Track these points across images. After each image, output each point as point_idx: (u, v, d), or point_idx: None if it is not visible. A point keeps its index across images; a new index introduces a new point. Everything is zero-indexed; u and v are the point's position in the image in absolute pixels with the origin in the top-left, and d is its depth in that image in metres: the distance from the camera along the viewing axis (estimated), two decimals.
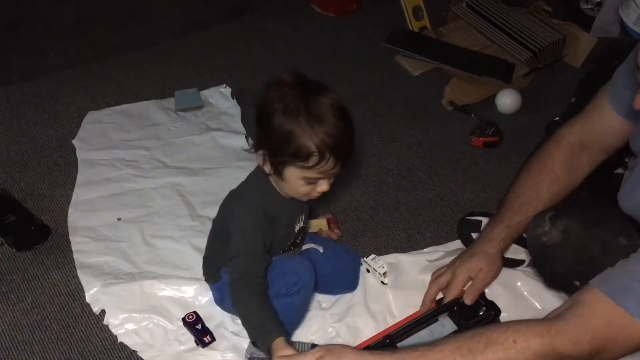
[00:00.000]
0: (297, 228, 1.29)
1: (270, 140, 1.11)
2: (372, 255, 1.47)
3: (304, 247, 1.39)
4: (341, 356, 1.02)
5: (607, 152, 1.32)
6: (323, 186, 1.16)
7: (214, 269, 1.32)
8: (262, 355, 1.22)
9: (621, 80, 1.20)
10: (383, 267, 1.44)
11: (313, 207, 1.41)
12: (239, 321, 1.26)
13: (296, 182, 1.14)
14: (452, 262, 1.37)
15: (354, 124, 1.13)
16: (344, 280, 1.43)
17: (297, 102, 1.09)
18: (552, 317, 1.05)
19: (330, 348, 1.05)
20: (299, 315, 1.32)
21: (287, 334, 1.14)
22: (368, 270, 1.46)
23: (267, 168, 1.15)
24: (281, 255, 1.29)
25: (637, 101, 0.97)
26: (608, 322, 1.00)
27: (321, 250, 1.40)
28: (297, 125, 1.08)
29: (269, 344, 1.08)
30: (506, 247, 1.35)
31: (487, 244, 1.33)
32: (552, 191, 1.31)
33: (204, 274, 1.38)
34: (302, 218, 1.30)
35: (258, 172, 1.22)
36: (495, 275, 1.34)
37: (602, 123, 1.28)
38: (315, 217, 1.53)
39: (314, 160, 1.09)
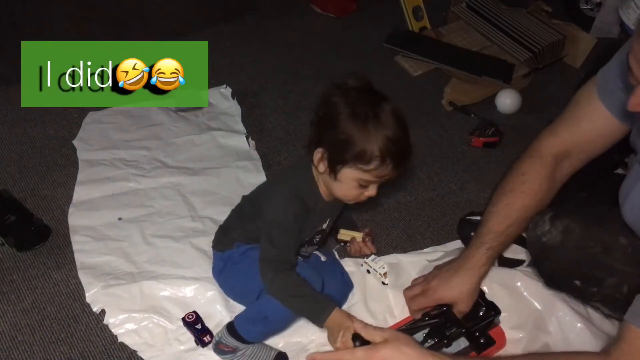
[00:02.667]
0: (319, 227, 1.31)
1: (334, 141, 1.14)
2: (372, 256, 1.47)
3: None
4: (405, 346, 1.04)
5: (589, 158, 1.30)
6: (372, 191, 1.19)
7: (229, 238, 1.33)
8: (233, 342, 1.24)
9: (613, 82, 1.18)
10: (383, 268, 1.44)
11: (342, 213, 1.40)
12: None
13: (349, 183, 1.17)
14: (428, 279, 1.34)
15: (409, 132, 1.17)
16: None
17: (365, 107, 1.13)
18: (601, 353, 1.07)
19: (401, 336, 1.07)
20: (286, 323, 1.30)
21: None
22: (368, 271, 1.46)
23: (322, 167, 1.17)
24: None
25: (630, 102, 0.97)
26: None
27: (323, 259, 1.40)
28: (365, 130, 1.11)
29: (327, 316, 1.13)
30: (486, 273, 1.31)
31: (467, 272, 1.28)
32: (537, 211, 1.29)
33: (214, 240, 1.39)
34: (329, 221, 1.32)
35: (303, 166, 1.25)
36: (468, 308, 1.29)
37: (594, 130, 1.25)
38: (353, 229, 1.49)
39: (375, 163, 1.12)
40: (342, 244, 1.50)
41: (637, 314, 1.03)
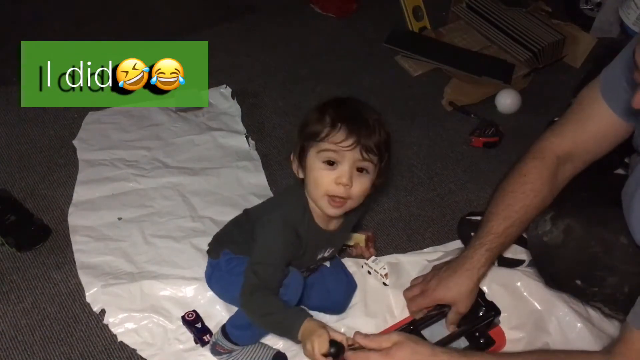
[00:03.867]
0: (319, 256, 1.28)
1: (300, 139, 1.14)
2: (373, 257, 1.47)
3: None
4: (417, 345, 1.05)
5: (593, 159, 1.30)
6: (344, 171, 1.10)
7: (219, 247, 1.33)
8: (227, 344, 1.24)
9: (617, 82, 1.18)
10: (384, 269, 1.44)
11: (355, 224, 1.38)
12: None
13: (316, 165, 1.11)
14: (427, 280, 1.34)
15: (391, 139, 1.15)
16: (334, 302, 1.38)
17: (333, 104, 1.12)
18: (604, 352, 1.08)
19: (409, 336, 1.07)
20: None
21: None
22: (369, 272, 1.46)
23: (296, 169, 1.16)
24: None
25: (636, 99, 0.97)
26: None
27: (328, 265, 1.39)
28: (321, 114, 1.11)
29: (299, 327, 1.06)
30: (485, 274, 1.31)
31: (466, 273, 1.27)
32: (538, 212, 1.29)
33: (209, 245, 1.39)
34: (329, 251, 1.29)
35: (295, 191, 1.21)
36: (467, 309, 1.29)
37: (599, 130, 1.25)
38: (356, 231, 1.48)
39: (325, 130, 1.09)
40: (344, 247, 1.50)
41: (639, 316, 1.04)
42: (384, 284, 1.44)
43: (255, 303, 1.13)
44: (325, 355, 1.01)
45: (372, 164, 1.12)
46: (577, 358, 1.08)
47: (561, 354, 1.12)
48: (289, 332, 1.09)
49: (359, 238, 1.49)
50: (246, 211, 1.34)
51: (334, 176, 1.11)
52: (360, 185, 1.12)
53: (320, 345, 1.01)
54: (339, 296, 1.38)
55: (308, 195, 1.18)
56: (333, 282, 1.37)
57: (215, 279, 1.35)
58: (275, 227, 1.16)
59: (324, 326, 1.05)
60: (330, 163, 1.10)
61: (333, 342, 1.01)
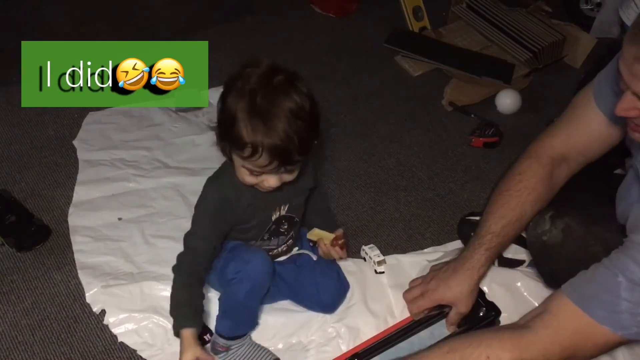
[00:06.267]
0: (274, 216, 1.26)
1: (220, 120, 1.11)
2: (371, 245, 1.47)
3: (300, 251, 1.37)
4: None
5: (587, 161, 1.30)
6: (270, 181, 1.12)
7: None
8: (222, 341, 1.25)
9: (609, 86, 1.19)
10: (378, 256, 1.44)
11: (309, 196, 1.33)
12: None
13: (241, 170, 1.12)
14: (426, 281, 1.34)
15: (319, 128, 1.12)
16: (323, 301, 1.35)
17: (254, 87, 1.06)
18: (524, 326, 1.08)
19: None
20: (244, 311, 1.25)
21: (202, 328, 1.21)
22: (364, 259, 1.46)
23: (220, 150, 1.15)
24: (248, 244, 1.29)
25: (618, 107, 0.99)
26: (576, 330, 1.04)
27: (314, 258, 1.36)
28: (241, 112, 1.05)
29: (179, 329, 1.13)
30: (485, 273, 1.31)
31: (466, 273, 1.27)
32: (534, 211, 1.29)
33: None
34: (283, 207, 1.26)
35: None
36: (467, 309, 1.29)
37: (591, 134, 1.26)
38: (328, 229, 1.35)
39: (247, 152, 1.06)
40: (311, 244, 1.39)
41: (576, 288, 1.05)
42: (375, 271, 1.43)
43: (176, 276, 1.19)
44: None
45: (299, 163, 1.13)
46: (483, 349, 1.05)
47: (467, 345, 1.08)
48: (174, 327, 1.16)
49: (323, 234, 1.33)
50: None
51: (260, 180, 1.13)
52: (290, 177, 1.15)
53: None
54: (327, 294, 1.34)
55: None
56: (322, 278, 1.34)
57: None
58: (204, 198, 1.21)
59: (198, 347, 1.13)
60: (256, 174, 1.12)
61: None
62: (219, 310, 1.26)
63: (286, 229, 1.31)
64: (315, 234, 1.33)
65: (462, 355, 1.05)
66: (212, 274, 1.28)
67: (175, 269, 1.21)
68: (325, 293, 1.34)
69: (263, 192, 1.17)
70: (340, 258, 1.36)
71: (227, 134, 1.09)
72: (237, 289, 1.20)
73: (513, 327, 1.12)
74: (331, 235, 1.32)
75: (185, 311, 1.16)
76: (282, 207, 1.26)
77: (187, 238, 1.22)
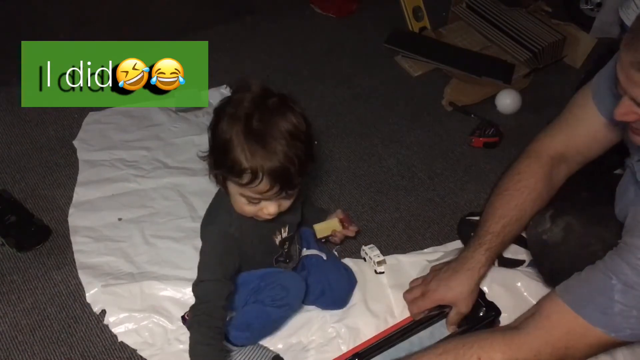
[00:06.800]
0: (277, 240, 1.26)
1: (213, 148, 1.08)
2: (371, 245, 1.47)
3: (307, 252, 1.37)
4: None
5: (586, 161, 1.31)
6: (270, 208, 1.09)
7: None
8: (225, 345, 1.23)
9: (607, 86, 1.19)
10: (378, 256, 1.44)
11: (303, 215, 1.34)
12: None
13: (238, 199, 1.09)
14: (427, 281, 1.34)
15: (315, 149, 1.10)
16: (335, 297, 1.37)
17: (249, 111, 1.03)
18: (516, 328, 1.08)
19: None
20: (271, 327, 1.29)
21: None
22: (364, 259, 1.46)
23: (214, 180, 1.11)
24: (275, 268, 1.28)
25: (616, 112, 0.99)
26: (568, 331, 1.04)
27: (325, 258, 1.37)
28: (236, 136, 1.02)
29: None
30: (485, 273, 1.31)
31: (466, 273, 1.27)
32: (534, 210, 1.29)
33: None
34: (283, 230, 1.25)
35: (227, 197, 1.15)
36: (468, 309, 1.29)
37: (589, 134, 1.26)
38: (324, 219, 1.44)
39: (246, 178, 1.03)
40: (323, 240, 1.45)
41: (569, 290, 1.05)
42: (375, 271, 1.44)
43: (194, 331, 1.09)
44: None
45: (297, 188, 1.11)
46: (476, 350, 1.05)
47: (460, 346, 1.08)
48: None
49: (332, 224, 1.43)
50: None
51: (259, 208, 1.10)
52: (288, 203, 1.12)
53: None
54: (342, 289, 1.37)
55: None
56: (334, 275, 1.36)
57: None
58: (206, 243, 1.17)
59: None
60: (255, 202, 1.09)
61: None
62: (238, 321, 1.22)
63: (293, 250, 1.32)
64: (322, 229, 1.39)
65: (455, 356, 1.05)
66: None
67: (192, 324, 1.12)
68: (338, 289, 1.36)
69: (253, 221, 1.15)
70: (359, 230, 1.42)
71: (222, 162, 1.05)
72: (274, 312, 1.21)
73: (506, 328, 1.13)
74: (337, 222, 1.40)
75: None
76: (282, 230, 1.26)
77: (198, 288, 1.13)
